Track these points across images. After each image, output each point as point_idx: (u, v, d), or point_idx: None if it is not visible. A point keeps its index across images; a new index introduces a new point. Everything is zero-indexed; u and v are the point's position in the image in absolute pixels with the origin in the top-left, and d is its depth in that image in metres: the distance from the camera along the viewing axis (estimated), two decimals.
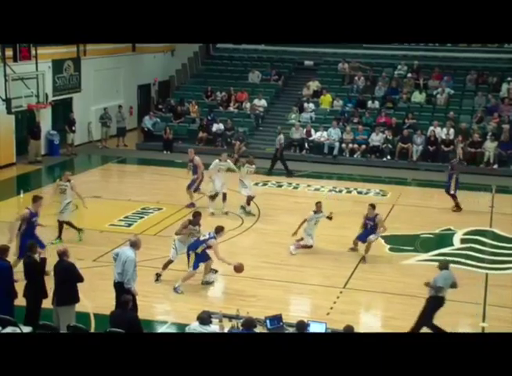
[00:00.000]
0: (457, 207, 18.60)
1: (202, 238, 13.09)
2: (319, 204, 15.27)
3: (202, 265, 13.17)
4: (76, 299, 10.49)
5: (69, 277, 10.35)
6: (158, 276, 13.34)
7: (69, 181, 15.35)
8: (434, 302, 10.97)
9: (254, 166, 18.47)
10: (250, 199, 18.00)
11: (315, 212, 15.18)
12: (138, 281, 11.17)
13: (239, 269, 12.95)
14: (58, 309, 10.38)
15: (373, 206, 15.06)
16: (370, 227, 14.91)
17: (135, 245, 11.16)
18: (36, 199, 13.28)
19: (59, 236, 15.17)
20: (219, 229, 13.23)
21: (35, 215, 13.10)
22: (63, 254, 10.48)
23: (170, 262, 13.41)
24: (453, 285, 11.17)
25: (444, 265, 11.35)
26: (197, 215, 13.84)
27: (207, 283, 13.40)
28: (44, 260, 10.74)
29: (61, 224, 15.29)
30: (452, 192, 18.53)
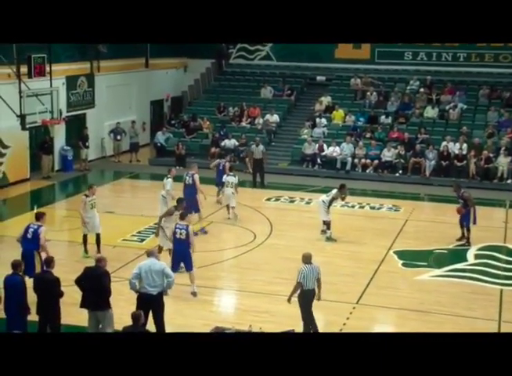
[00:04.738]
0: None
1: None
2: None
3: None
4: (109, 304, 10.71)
5: (101, 284, 10.53)
6: None
7: (94, 194, 15.74)
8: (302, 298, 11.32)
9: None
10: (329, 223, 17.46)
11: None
12: None
13: None
14: (97, 314, 10.59)
15: (457, 185, 17.52)
16: (464, 206, 16.91)
17: (154, 254, 11.44)
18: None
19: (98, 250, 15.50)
20: None
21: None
22: (98, 261, 10.78)
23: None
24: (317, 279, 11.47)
25: (304, 259, 11.48)
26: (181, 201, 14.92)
27: None
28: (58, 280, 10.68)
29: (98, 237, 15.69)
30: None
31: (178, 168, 25.81)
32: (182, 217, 13.78)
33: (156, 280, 10.93)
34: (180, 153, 26.19)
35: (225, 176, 19.15)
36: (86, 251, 15.59)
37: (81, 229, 15.67)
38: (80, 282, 10.82)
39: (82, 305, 10.80)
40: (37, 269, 12.32)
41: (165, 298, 13.11)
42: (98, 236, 15.67)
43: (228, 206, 18.83)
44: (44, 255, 12.53)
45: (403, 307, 13.31)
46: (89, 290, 10.65)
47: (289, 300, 11.55)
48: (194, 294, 13.40)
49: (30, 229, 12.84)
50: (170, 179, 17.41)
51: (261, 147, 23.92)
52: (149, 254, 11.41)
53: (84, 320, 11.26)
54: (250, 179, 23.39)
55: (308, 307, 11.45)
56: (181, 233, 13.30)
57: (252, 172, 23.67)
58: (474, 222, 17.02)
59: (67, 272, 12.17)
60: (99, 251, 15.35)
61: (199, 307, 12.99)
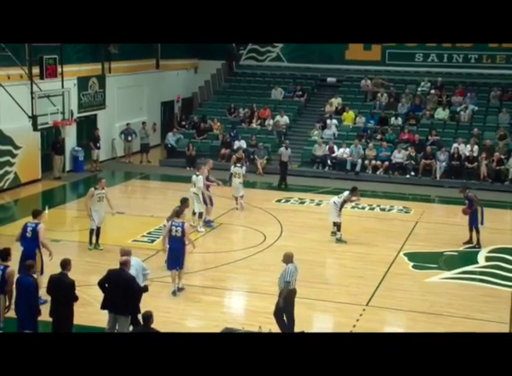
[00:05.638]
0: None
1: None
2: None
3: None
4: (132, 310, 10.47)
5: (128, 289, 10.33)
6: None
7: (103, 188, 16.05)
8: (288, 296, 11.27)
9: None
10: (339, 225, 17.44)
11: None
12: (159, 297, 11.44)
13: None
14: (118, 317, 10.42)
15: (463, 187, 17.44)
16: (468, 206, 16.81)
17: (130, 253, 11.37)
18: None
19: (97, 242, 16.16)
20: None
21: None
22: (123, 264, 10.54)
23: None
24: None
25: (288, 259, 11.46)
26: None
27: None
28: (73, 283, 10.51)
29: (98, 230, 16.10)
30: None
31: (189, 169, 26.00)
32: (178, 215, 13.79)
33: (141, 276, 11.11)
34: (191, 154, 26.24)
35: (232, 167, 19.73)
36: (91, 242, 15.98)
37: (89, 223, 15.97)
38: (103, 284, 10.57)
39: (104, 307, 10.59)
40: (39, 268, 12.32)
41: (175, 299, 13.24)
42: (98, 229, 16.04)
43: (236, 197, 19.64)
44: (46, 252, 12.55)
45: (413, 309, 13.28)
46: (113, 293, 10.40)
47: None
48: (180, 290, 13.42)
49: (29, 228, 12.61)
50: (200, 176, 17.91)
51: (289, 151, 23.98)
52: (127, 253, 11.02)
53: (92, 321, 11.38)
54: (260, 181, 23.41)
55: (291, 306, 11.38)
56: (176, 231, 13.31)
57: (280, 174, 23.59)
58: (482, 223, 16.94)
59: (77, 272, 12.17)
60: (97, 242, 15.97)
61: (209, 308, 13.00)
